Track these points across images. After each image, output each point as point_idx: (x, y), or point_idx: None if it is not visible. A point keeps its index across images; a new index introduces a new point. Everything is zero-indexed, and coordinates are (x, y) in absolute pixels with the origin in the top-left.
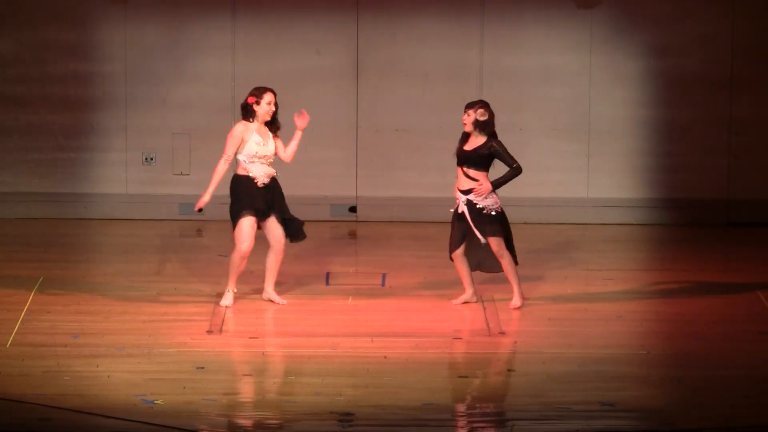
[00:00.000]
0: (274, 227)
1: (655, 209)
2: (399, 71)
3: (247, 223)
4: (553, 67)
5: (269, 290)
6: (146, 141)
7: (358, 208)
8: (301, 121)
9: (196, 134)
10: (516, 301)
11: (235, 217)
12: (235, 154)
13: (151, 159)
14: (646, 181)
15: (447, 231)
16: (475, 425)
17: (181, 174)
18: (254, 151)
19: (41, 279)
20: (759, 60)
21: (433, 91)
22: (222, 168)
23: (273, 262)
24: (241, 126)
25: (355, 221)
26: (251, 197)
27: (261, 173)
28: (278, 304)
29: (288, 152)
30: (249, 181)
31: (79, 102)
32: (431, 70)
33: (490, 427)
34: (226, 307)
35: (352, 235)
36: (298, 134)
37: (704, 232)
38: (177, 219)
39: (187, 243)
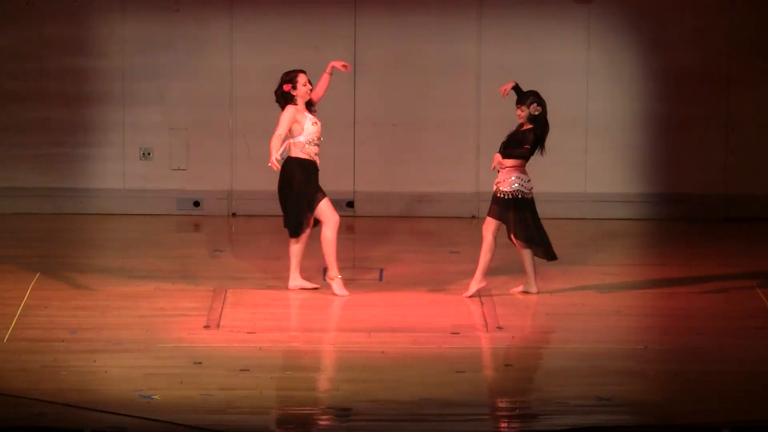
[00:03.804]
0: (327, 206)
1: (652, 204)
2: (397, 66)
3: (326, 201)
4: (551, 63)
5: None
6: (144, 136)
7: (356, 203)
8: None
9: (194, 129)
10: (471, 285)
11: (311, 202)
12: (289, 133)
13: (149, 154)
14: (644, 176)
15: (444, 226)
16: (472, 420)
17: (179, 169)
18: (313, 132)
19: (38, 274)
20: (756, 55)
21: (430, 86)
22: (276, 142)
23: (330, 240)
24: (292, 108)
25: (353, 216)
26: (316, 181)
27: (315, 154)
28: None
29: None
30: (312, 165)
31: (77, 97)
32: (429, 65)
33: (488, 422)
34: (344, 295)
35: (350, 230)
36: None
37: (702, 227)
38: (174, 214)
39: (185, 238)
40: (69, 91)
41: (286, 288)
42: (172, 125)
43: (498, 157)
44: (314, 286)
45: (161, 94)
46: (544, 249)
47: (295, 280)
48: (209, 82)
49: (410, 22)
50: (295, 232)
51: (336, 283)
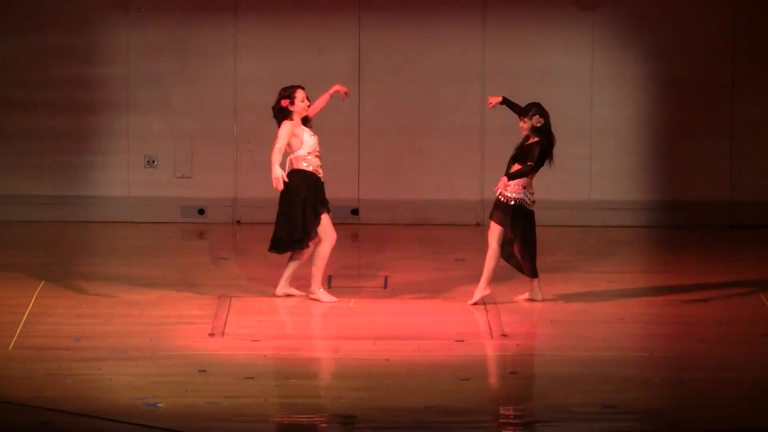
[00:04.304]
0: (328, 222)
1: (657, 211)
2: (401, 73)
3: (327, 218)
4: (555, 69)
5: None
6: (148, 144)
7: (360, 211)
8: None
9: (198, 137)
10: (476, 293)
11: (313, 215)
12: (288, 148)
13: (153, 162)
14: (649, 184)
15: (448, 233)
16: (477, 428)
17: (183, 177)
18: (312, 143)
19: (43, 282)
20: (761, 61)
21: (435, 92)
22: (277, 156)
23: (323, 256)
24: (289, 123)
25: (357, 224)
26: (321, 194)
27: (318, 166)
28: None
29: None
30: (315, 177)
31: (81, 105)
32: (433, 71)
33: (492, 429)
34: (333, 301)
35: (354, 237)
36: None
37: (707, 234)
38: (179, 222)
39: (189, 246)
40: (74, 98)
41: (284, 295)
42: (176, 133)
43: (504, 181)
44: (302, 293)
45: (166, 101)
46: (530, 265)
47: (284, 288)
48: (213, 89)
49: (415, 29)
50: (278, 247)
51: (320, 293)
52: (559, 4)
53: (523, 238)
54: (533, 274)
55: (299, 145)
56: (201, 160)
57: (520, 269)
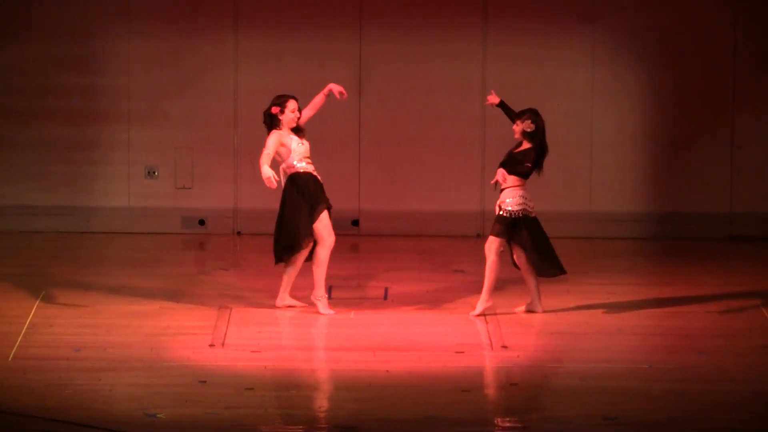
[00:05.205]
0: (327, 222)
1: (657, 223)
2: (401, 85)
3: (326, 216)
4: (556, 81)
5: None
6: (149, 154)
7: (361, 222)
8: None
9: (199, 148)
10: (478, 305)
11: (315, 208)
12: (278, 157)
13: (154, 172)
14: (649, 195)
15: (449, 245)
16: None
17: (184, 187)
18: (301, 151)
19: (43, 292)
20: (761, 73)
21: (435, 104)
22: (265, 160)
23: (322, 261)
24: (277, 133)
25: (358, 235)
26: (319, 191)
27: (312, 171)
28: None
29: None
30: (311, 176)
31: (82, 115)
32: (434, 83)
33: None
34: (329, 314)
35: (355, 248)
36: (321, 98)
37: (707, 246)
38: (179, 232)
39: (190, 256)
40: (74, 108)
41: (284, 306)
42: (177, 144)
43: (503, 172)
44: (303, 305)
45: (166, 112)
46: (550, 266)
47: (284, 299)
48: (214, 100)
49: (415, 41)
50: (289, 251)
51: (321, 302)
52: (560, 16)
53: (536, 241)
54: (560, 269)
55: (288, 154)
56: (201, 170)
57: (542, 272)
